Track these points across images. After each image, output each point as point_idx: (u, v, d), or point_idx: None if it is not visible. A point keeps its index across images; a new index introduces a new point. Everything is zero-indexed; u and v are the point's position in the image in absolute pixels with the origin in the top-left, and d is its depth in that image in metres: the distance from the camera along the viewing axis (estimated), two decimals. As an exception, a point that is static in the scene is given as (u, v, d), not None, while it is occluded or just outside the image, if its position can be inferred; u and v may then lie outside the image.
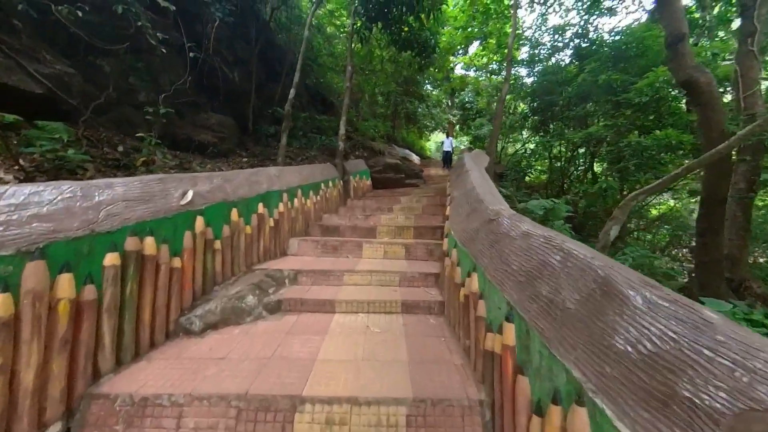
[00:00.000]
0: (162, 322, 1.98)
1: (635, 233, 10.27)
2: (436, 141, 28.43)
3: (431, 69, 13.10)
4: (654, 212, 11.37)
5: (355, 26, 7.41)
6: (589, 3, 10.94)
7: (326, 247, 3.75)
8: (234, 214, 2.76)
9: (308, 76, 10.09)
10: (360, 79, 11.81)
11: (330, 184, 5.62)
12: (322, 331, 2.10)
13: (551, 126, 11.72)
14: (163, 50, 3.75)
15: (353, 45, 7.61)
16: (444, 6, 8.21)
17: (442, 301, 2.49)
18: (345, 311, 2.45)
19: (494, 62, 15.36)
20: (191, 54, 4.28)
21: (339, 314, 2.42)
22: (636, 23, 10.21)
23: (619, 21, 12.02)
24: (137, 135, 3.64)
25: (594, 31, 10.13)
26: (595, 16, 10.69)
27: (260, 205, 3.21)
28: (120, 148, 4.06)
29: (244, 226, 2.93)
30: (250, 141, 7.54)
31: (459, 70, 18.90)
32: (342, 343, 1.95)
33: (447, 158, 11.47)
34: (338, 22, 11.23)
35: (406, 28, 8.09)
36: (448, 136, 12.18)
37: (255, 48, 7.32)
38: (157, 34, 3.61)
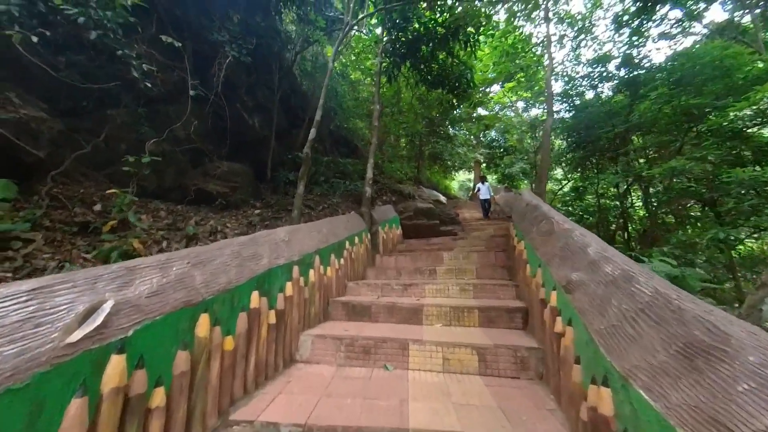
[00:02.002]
0: None
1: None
2: (459, 180, 27.48)
3: (462, 107, 12.54)
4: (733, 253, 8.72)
5: (383, 65, 6.89)
6: (629, 32, 10.22)
7: (353, 350, 2.46)
8: (202, 324, 1.61)
9: (332, 120, 9.69)
10: (387, 119, 11.35)
11: (356, 239, 4.49)
12: None
13: (593, 161, 10.41)
14: (147, 83, 3.06)
15: (381, 85, 7.04)
16: (480, 37, 7.60)
17: None
18: None
19: (524, 98, 14.72)
20: (192, 92, 3.61)
21: None
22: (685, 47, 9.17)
23: (679, 43, 10.94)
24: (108, 191, 2.76)
25: (644, 58, 9.13)
26: (641, 43, 9.81)
27: (255, 295, 2.06)
28: (97, 207, 3.22)
29: (223, 339, 1.75)
30: (268, 190, 6.78)
31: (481, 111, 18.41)
32: None
33: (485, 207, 10.05)
34: (363, 66, 11.14)
35: (436, 66, 7.51)
36: (483, 182, 10.44)
37: (277, 94, 6.91)
38: (143, 65, 2.94)
